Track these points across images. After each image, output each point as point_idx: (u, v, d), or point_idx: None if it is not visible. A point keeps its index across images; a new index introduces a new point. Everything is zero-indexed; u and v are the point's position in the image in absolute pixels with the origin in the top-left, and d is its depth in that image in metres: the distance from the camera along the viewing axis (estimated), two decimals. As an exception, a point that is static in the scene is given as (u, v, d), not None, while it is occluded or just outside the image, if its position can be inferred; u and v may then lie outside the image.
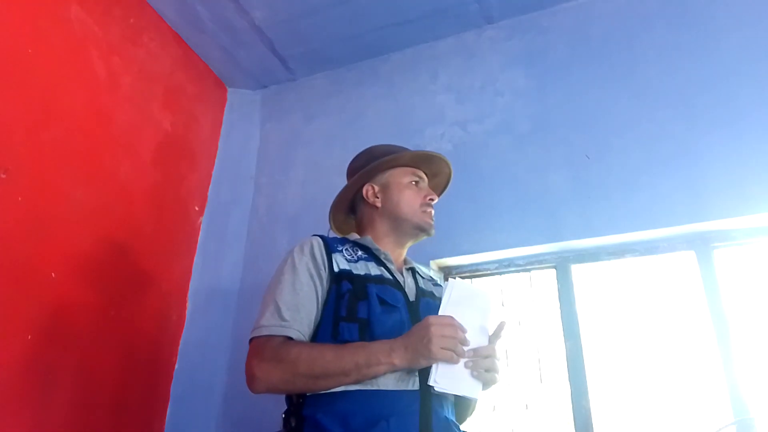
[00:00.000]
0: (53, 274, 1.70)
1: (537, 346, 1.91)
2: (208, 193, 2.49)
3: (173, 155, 2.31)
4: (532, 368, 1.88)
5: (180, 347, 2.19)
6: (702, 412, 1.65)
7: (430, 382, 1.08)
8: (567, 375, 1.79)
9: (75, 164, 1.84)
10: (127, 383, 1.92)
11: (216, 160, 2.57)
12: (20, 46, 1.70)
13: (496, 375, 1.15)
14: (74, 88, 1.87)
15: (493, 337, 1.16)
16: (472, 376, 1.11)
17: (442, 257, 2.02)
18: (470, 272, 2.07)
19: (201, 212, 2.44)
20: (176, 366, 2.16)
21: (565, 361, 1.80)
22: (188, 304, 2.27)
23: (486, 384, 1.14)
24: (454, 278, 1.44)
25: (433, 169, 1.49)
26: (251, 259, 2.35)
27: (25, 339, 1.59)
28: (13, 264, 1.59)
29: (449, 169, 1.51)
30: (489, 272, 2.05)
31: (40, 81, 1.75)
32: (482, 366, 1.12)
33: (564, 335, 1.84)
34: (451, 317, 1.11)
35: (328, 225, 1.54)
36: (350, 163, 1.52)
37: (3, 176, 1.59)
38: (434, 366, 1.09)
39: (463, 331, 1.11)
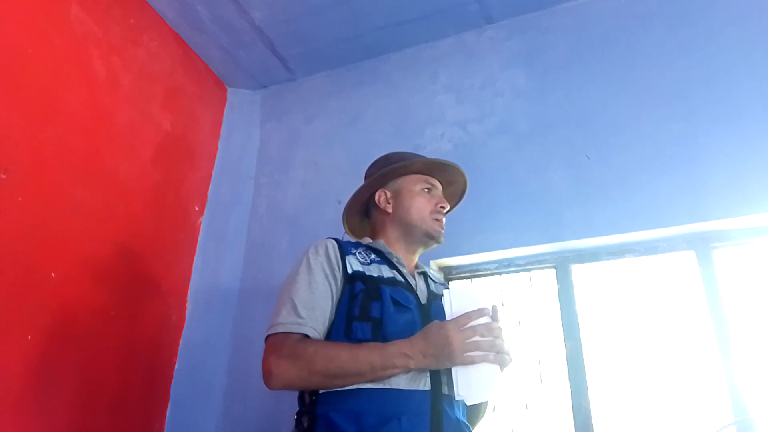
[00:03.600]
0: (53, 274, 1.70)
1: (537, 346, 1.91)
2: (208, 193, 2.49)
3: (173, 155, 2.31)
4: (532, 368, 1.88)
5: (180, 347, 2.19)
6: (702, 412, 1.65)
7: (457, 398, 1.11)
8: (567, 375, 1.79)
9: (75, 164, 1.84)
10: (127, 383, 1.92)
11: (216, 160, 2.57)
12: (20, 46, 1.70)
13: (507, 356, 1.16)
14: (74, 88, 1.87)
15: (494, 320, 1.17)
16: (488, 374, 1.12)
17: (442, 257, 2.02)
18: (470, 272, 2.07)
19: (201, 212, 2.44)
20: (176, 366, 2.16)
21: (565, 361, 1.81)
22: (188, 305, 2.27)
23: (502, 365, 1.15)
24: (447, 288, 1.45)
25: (447, 177, 1.50)
26: (251, 259, 2.35)
27: (26, 339, 1.59)
28: (13, 264, 1.59)
29: (463, 177, 1.51)
30: (489, 272, 2.05)
31: (40, 81, 1.75)
32: (495, 348, 1.13)
33: (564, 335, 1.84)
34: (468, 315, 1.12)
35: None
36: (368, 168, 1.54)
37: (3, 176, 1.59)
38: (454, 379, 1.11)
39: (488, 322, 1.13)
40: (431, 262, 2.00)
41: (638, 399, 1.74)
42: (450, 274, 2.09)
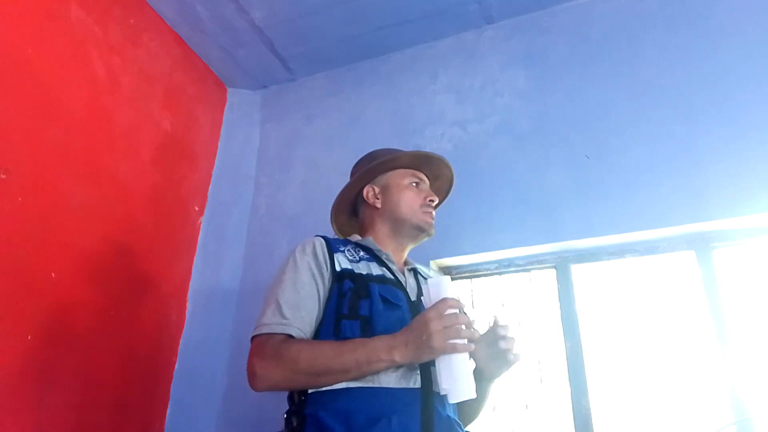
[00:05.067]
0: (53, 274, 1.70)
1: (537, 346, 1.91)
2: (208, 193, 2.49)
3: (173, 155, 2.31)
4: (532, 368, 1.87)
5: (180, 347, 2.19)
6: (702, 412, 1.65)
7: (441, 392, 1.06)
8: (567, 375, 1.79)
9: (75, 164, 1.84)
10: (127, 383, 1.92)
11: (216, 160, 2.57)
12: (20, 46, 1.70)
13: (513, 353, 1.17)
14: (74, 88, 1.87)
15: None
16: (470, 370, 1.09)
17: (442, 257, 2.02)
18: (470, 272, 2.07)
19: (201, 212, 2.44)
20: (176, 366, 2.16)
21: (565, 361, 1.81)
22: (188, 305, 2.27)
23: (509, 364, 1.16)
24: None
25: (434, 171, 1.49)
26: (251, 259, 2.35)
27: (25, 339, 1.59)
28: (13, 264, 1.59)
29: (450, 171, 1.50)
30: (489, 272, 2.05)
31: (40, 81, 1.75)
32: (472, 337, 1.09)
33: (564, 335, 1.84)
34: (445, 300, 1.07)
35: (329, 225, 1.54)
36: (354, 166, 1.53)
37: (3, 176, 1.59)
38: (437, 370, 1.06)
39: (464, 312, 1.09)
40: (431, 262, 2.00)
41: (638, 399, 1.74)
42: (450, 274, 2.09)
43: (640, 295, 1.86)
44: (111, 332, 1.88)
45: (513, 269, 2.02)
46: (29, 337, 1.60)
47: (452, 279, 2.08)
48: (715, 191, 1.74)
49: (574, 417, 1.73)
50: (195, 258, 2.35)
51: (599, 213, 1.86)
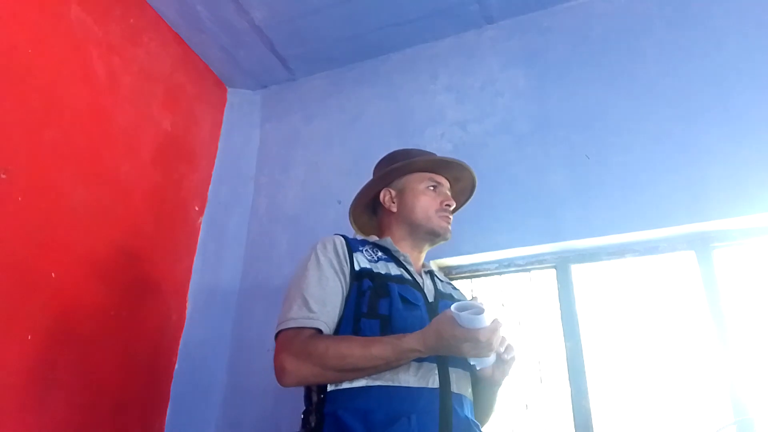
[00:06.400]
0: (53, 274, 1.70)
1: (537, 346, 1.91)
2: (208, 193, 2.49)
3: (173, 155, 2.31)
4: (532, 368, 1.87)
5: (180, 347, 2.19)
6: (702, 412, 1.65)
7: (472, 362, 1.11)
8: (567, 375, 1.79)
9: (75, 164, 1.84)
10: (127, 383, 1.92)
11: (216, 160, 2.57)
12: (20, 46, 1.70)
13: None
14: (74, 88, 1.87)
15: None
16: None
17: (442, 257, 2.02)
18: (470, 272, 2.07)
19: (201, 212, 2.44)
20: (176, 366, 2.16)
21: (565, 361, 1.81)
22: (188, 304, 2.27)
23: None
24: (455, 288, 1.46)
25: (453, 174, 1.50)
26: (251, 259, 2.35)
27: (25, 339, 1.59)
28: (13, 264, 1.59)
29: (470, 173, 1.51)
30: (489, 272, 2.05)
31: (40, 81, 1.75)
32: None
33: (564, 335, 1.84)
34: (482, 334, 1.05)
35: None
36: (375, 166, 1.54)
37: (3, 176, 1.59)
38: None
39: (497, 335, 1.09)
40: (431, 262, 2.00)
41: (638, 399, 1.74)
42: (450, 274, 2.09)
43: (640, 295, 1.86)
44: (111, 332, 1.88)
45: (513, 269, 2.02)
46: (29, 337, 1.60)
47: (452, 279, 2.08)
48: (715, 191, 1.74)
49: (574, 417, 1.73)
50: (195, 258, 2.35)
51: (599, 213, 1.86)
